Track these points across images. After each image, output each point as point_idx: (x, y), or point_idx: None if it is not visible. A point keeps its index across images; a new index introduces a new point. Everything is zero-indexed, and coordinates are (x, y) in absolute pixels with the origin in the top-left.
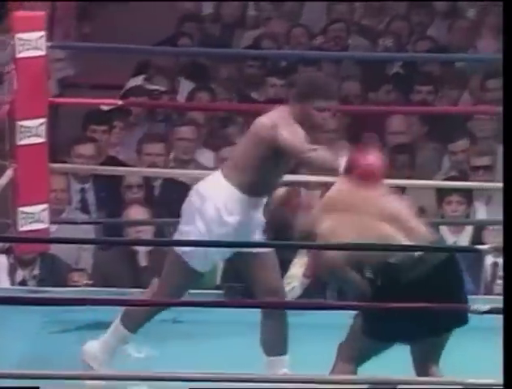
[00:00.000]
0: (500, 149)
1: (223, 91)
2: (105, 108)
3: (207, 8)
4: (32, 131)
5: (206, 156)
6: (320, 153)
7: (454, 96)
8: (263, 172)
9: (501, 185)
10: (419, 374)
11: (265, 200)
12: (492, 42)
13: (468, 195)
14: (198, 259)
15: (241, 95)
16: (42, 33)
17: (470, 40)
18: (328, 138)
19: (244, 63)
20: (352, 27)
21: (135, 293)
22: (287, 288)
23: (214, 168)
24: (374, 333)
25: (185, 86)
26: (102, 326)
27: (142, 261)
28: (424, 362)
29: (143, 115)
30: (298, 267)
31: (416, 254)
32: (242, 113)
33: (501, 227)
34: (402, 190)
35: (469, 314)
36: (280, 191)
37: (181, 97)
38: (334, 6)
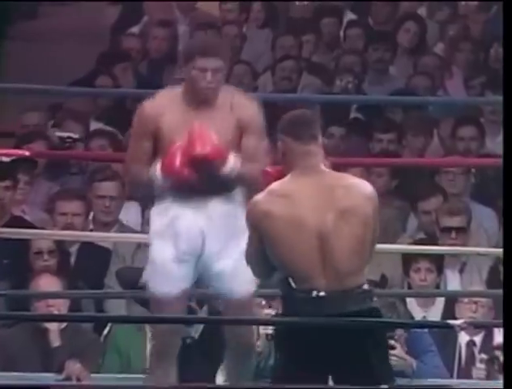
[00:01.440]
0: (476, 207)
1: None
2: (6, 159)
3: (131, 42)
4: None
5: (132, 212)
6: None
7: (421, 145)
8: None
9: (476, 249)
10: None
11: None
12: (463, 82)
13: (439, 262)
14: None
15: None
16: None
17: (438, 79)
18: None
19: None
20: (303, 64)
21: (45, 379)
22: None
23: (142, 228)
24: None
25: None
26: None
27: (55, 340)
28: None
29: (53, 167)
30: None
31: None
32: None
33: (476, 299)
34: None
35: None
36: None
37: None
38: (280, 39)
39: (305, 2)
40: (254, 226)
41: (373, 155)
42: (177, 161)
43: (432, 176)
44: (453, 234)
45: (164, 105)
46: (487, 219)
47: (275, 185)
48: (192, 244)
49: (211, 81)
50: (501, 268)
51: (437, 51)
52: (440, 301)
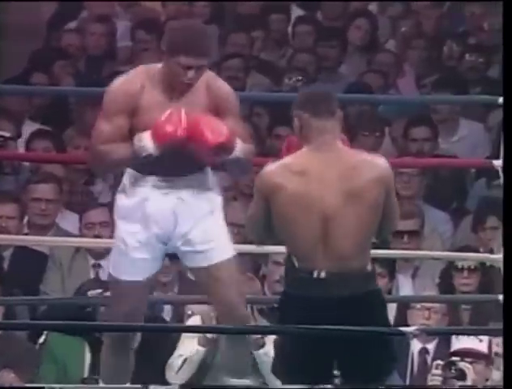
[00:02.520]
0: (429, 210)
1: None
2: None
3: (69, 38)
4: None
5: (69, 220)
6: None
7: (372, 144)
8: None
9: (430, 253)
10: None
11: None
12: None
13: (391, 266)
14: None
15: None
16: None
17: (390, 78)
18: None
19: None
20: (251, 62)
21: None
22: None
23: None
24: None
25: (29, 130)
26: None
27: None
28: None
29: None
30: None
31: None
32: None
33: (429, 305)
34: None
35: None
36: None
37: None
38: (230, 36)
39: None
40: (264, 196)
41: None
42: (172, 126)
43: None
44: (405, 238)
45: (143, 83)
46: (441, 222)
47: (289, 158)
48: (163, 227)
49: (192, 78)
50: (453, 272)
51: (389, 48)
52: (391, 308)
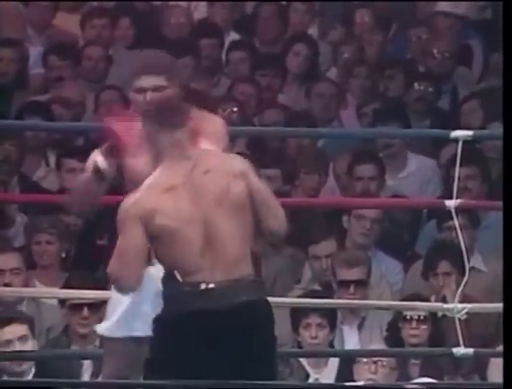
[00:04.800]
0: (378, 255)
1: None
2: None
3: None
4: None
5: None
6: None
7: (315, 184)
8: None
9: (376, 303)
10: None
11: None
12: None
13: (331, 316)
14: None
15: (24, 180)
16: None
17: (332, 109)
18: None
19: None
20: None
21: None
22: None
23: None
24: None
25: None
26: None
27: None
28: None
29: None
30: None
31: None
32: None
33: (376, 359)
34: None
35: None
36: None
37: None
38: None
39: (182, 20)
40: (138, 224)
41: None
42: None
43: (329, 217)
44: (351, 288)
45: None
46: (391, 270)
47: (150, 180)
48: (156, 282)
49: (150, 101)
50: (401, 323)
51: (330, 76)
52: (333, 361)
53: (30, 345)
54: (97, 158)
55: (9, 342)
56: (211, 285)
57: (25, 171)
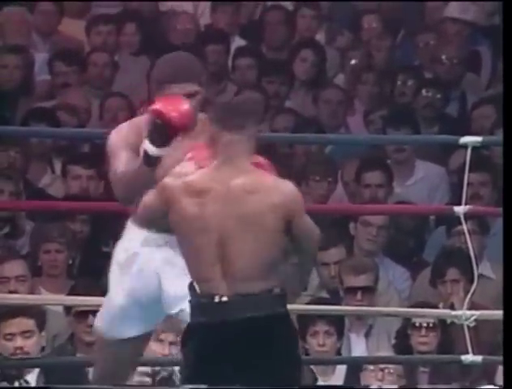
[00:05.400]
0: (385, 262)
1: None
2: None
3: None
4: None
5: None
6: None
7: (324, 191)
8: None
9: (384, 309)
10: None
11: None
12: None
13: (339, 324)
14: None
15: (30, 187)
16: None
17: (340, 115)
18: None
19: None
20: None
21: None
22: None
23: None
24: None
25: None
26: None
27: None
28: None
29: None
30: None
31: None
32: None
33: (384, 366)
34: None
35: None
36: None
37: None
38: None
39: (188, 26)
40: (164, 204)
41: None
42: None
43: (337, 224)
44: (358, 295)
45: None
46: (399, 277)
47: (193, 176)
48: (146, 285)
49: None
50: (410, 331)
51: (338, 83)
52: (341, 369)
53: (34, 341)
54: (147, 147)
55: (11, 336)
56: (225, 298)
57: (31, 178)
